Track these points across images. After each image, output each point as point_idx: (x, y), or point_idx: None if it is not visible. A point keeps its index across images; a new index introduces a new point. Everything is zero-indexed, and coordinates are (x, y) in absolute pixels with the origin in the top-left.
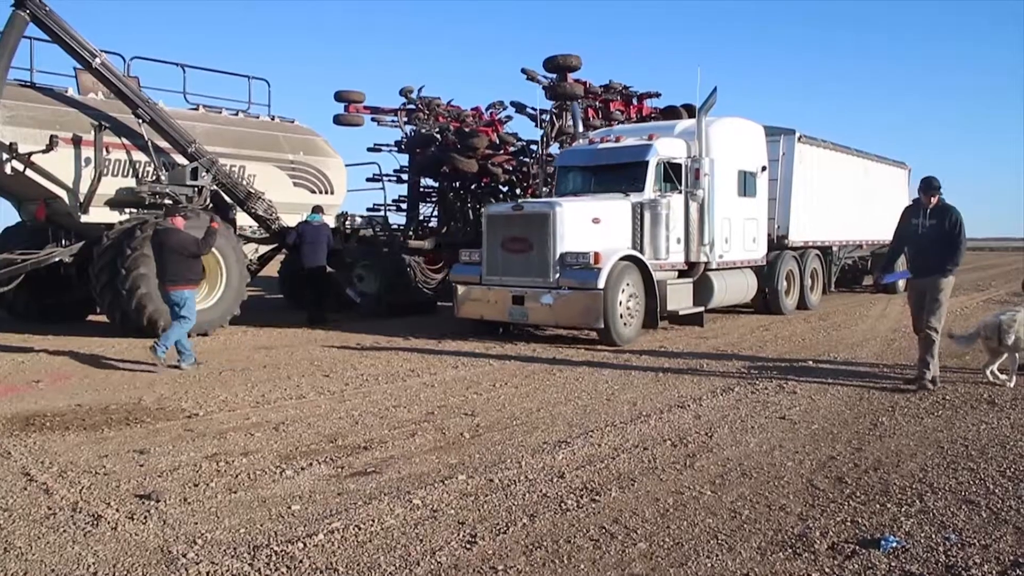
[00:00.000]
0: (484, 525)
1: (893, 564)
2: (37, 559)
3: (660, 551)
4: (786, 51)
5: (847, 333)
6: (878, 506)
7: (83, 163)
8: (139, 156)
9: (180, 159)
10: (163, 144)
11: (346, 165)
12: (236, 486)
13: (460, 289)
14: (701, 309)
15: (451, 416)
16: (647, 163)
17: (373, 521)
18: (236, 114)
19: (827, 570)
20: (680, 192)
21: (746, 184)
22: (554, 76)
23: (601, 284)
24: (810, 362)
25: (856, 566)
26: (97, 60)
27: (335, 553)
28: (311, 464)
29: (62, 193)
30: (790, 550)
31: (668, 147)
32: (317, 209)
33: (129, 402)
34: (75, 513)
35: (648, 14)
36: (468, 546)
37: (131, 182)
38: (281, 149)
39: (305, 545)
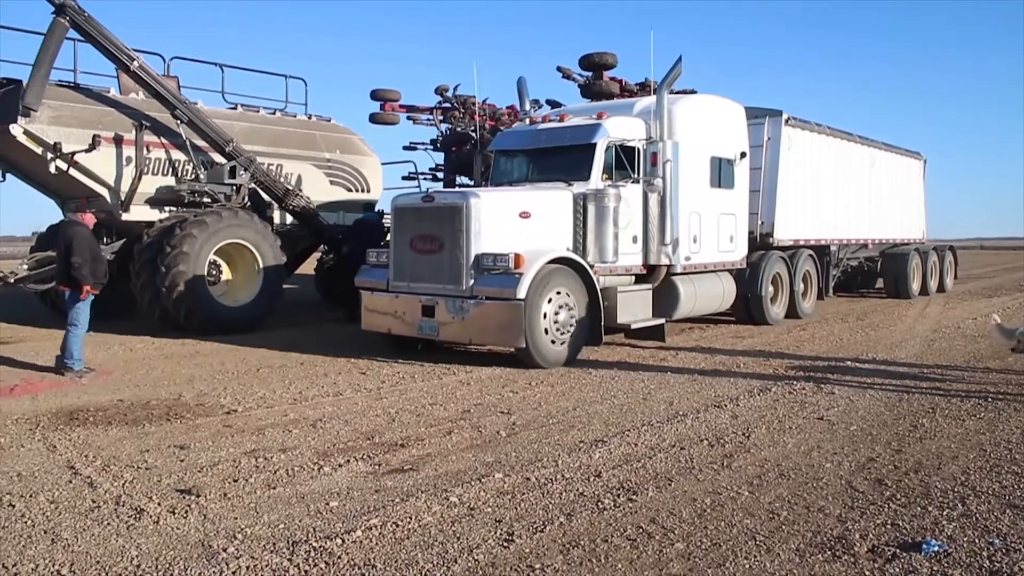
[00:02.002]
0: (521, 523)
1: (935, 568)
2: (83, 551)
3: (698, 552)
4: (791, 43)
5: (886, 333)
6: (919, 509)
7: (124, 162)
8: (178, 155)
9: (219, 158)
10: (202, 143)
11: (382, 164)
12: (275, 482)
13: (364, 297)
14: (662, 321)
15: (487, 414)
16: (594, 146)
17: (410, 518)
18: (273, 113)
19: (867, 573)
20: (637, 182)
21: (721, 173)
22: (590, 74)
23: (521, 293)
24: (848, 362)
25: (897, 570)
26: (135, 63)
27: (373, 550)
28: (348, 461)
29: (104, 191)
30: (829, 552)
31: (621, 128)
32: (370, 207)
33: (169, 398)
34: (118, 506)
35: (687, 12)
36: (505, 544)
37: (171, 180)
38: (318, 148)
39: (343, 541)
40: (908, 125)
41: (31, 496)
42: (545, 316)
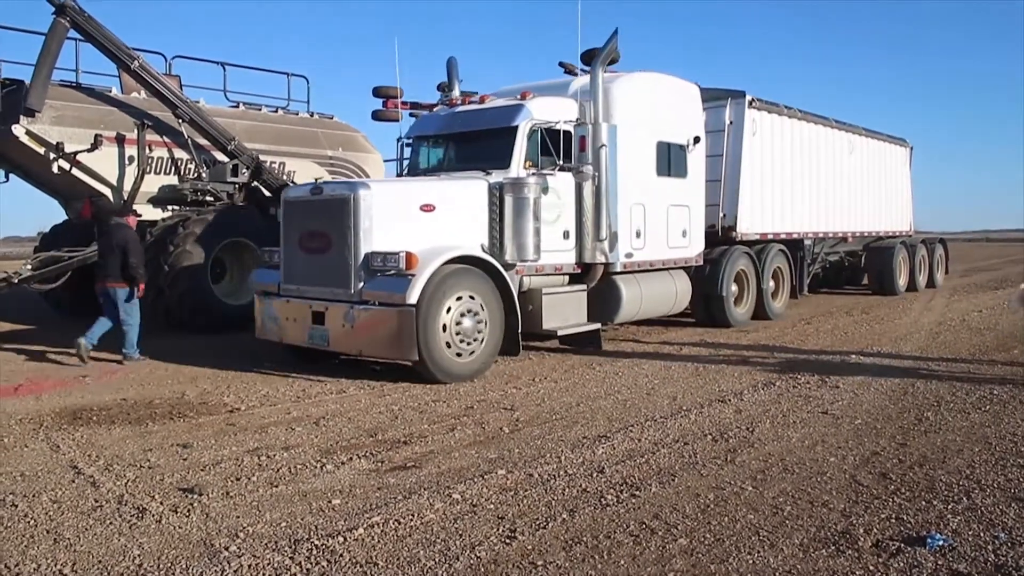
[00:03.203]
0: (524, 520)
1: (940, 563)
2: (85, 550)
3: (701, 547)
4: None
5: (890, 326)
6: (924, 503)
7: (127, 161)
8: (181, 154)
9: (221, 156)
10: (204, 141)
11: (385, 161)
12: (277, 480)
13: (257, 301)
14: (597, 326)
15: (490, 410)
16: (515, 130)
17: (413, 516)
18: (275, 111)
19: (871, 568)
20: (568, 170)
21: (671, 160)
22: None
23: (412, 298)
24: (853, 356)
25: (901, 564)
26: (136, 63)
27: (375, 547)
28: (351, 459)
29: (107, 191)
30: (833, 547)
31: (548, 109)
32: None
33: (173, 396)
34: (121, 506)
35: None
36: (508, 541)
37: (173, 179)
38: (320, 145)
39: (345, 539)
40: (906, 113)
41: (34, 496)
42: (445, 326)
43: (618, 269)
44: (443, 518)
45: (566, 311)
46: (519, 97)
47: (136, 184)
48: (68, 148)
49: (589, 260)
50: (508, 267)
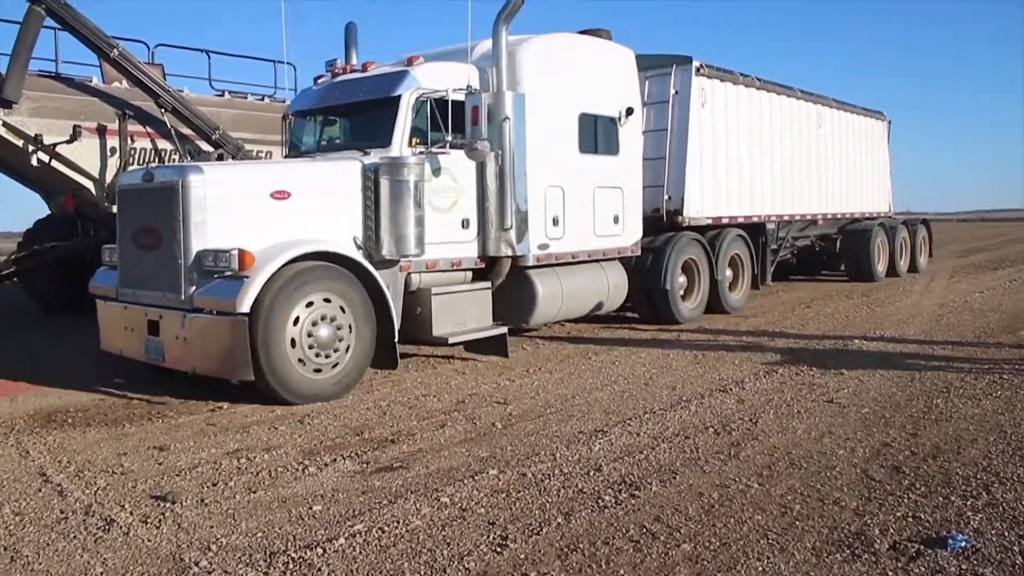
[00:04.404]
0: (516, 525)
1: (964, 567)
2: (43, 569)
3: (706, 553)
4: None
5: (891, 309)
6: (941, 499)
7: (108, 152)
8: (164, 144)
9: (206, 146)
10: (188, 131)
11: None
12: (256, 485)
13: (98, 306)
14: (502, 331)
15: (482, 405)
16: (397, 101)
17: (398, 522)
18: (262, 99)
19: (890, 574)
20: (461, 148)
21: (598, 135)
22: None
23: (244, 304)
24: (856, 340)
25: (922, 569)
26: (115, 51)
27: (356, 559)
28: (335, 460)
29: (88, 183)
30: (848, 551)
31: (439, 76)
32: None
33: (152, 394)
34: (87, 517)
35: None
36: (499, 550)
37: None
38: None
39: (325, 551)
40: (890, 89)
41: None
42: (294, 339)
43: (530, 263)
44: (430, 524)
45: (463, 313)
46: (405, 63)
47: (118, 176)
48: (47, 140)
49: (494, 253)
50: (386, 263)
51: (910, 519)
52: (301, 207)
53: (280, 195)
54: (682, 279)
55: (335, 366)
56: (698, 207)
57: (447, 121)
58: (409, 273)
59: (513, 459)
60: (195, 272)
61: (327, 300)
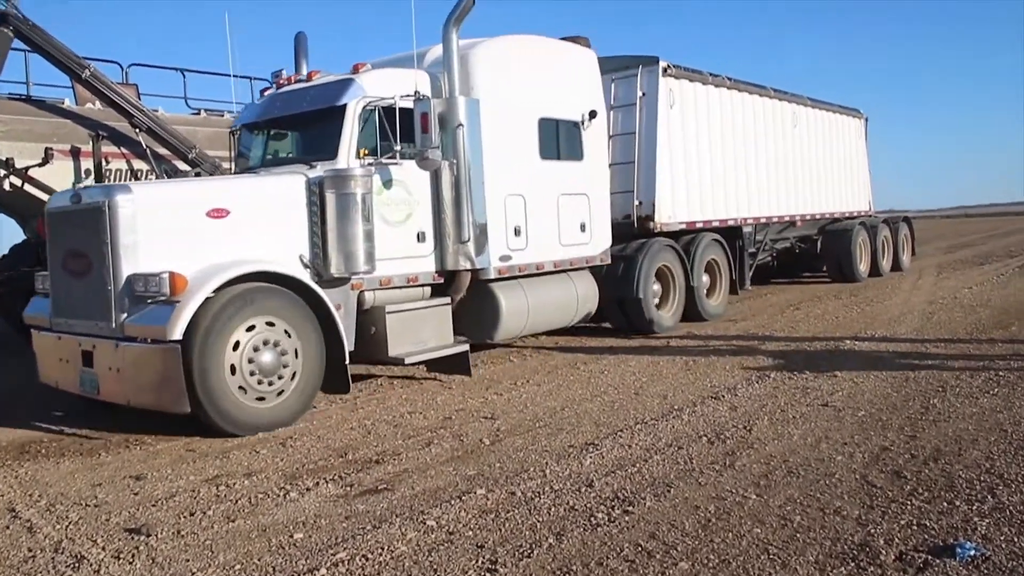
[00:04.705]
0: (505, 548)
1: None
2: None
3: (704, 571)
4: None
5: (881, 308)
6: (945, 504)
7: (83, 175)
8: (140, 164)
9: (182, 165)
10: (164, 151)
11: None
12: (235, 513)
13: (33, 337)
14: (464, 348)
15: (469, 420)
16: (343, 110)
17: (382, 549)
18: None
19: None
20: (411, 157)
21: (560, 140)
22: None
23: (176, 332)
24: (847, 341)
25: None
26: (86, 72)
27: None
28: (317, 483)
29: None
30: (852, 563)
31: (387, 84)
32: None
33: (129, 420)
34: (56, 554)
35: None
36: (487, 575)
37: None
38: None
39: None
40: (874, 83)
41: None
42: (234, 367)
43: (491, 276)
44: (416, 550)
45: (421, 331)
46: (352, 71)
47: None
48: (19, 163)
49: (452, 267)
50: (336, 282)
51: (915, 527)
52: (241, 225)
53: (217, 213)
54: (656, 287)
55: (280, 394)
56: (670, 212)
57: (395, 130)
58: (362, 291)
59: (502, 477)
60: (126, 298)
61: (270, 324)
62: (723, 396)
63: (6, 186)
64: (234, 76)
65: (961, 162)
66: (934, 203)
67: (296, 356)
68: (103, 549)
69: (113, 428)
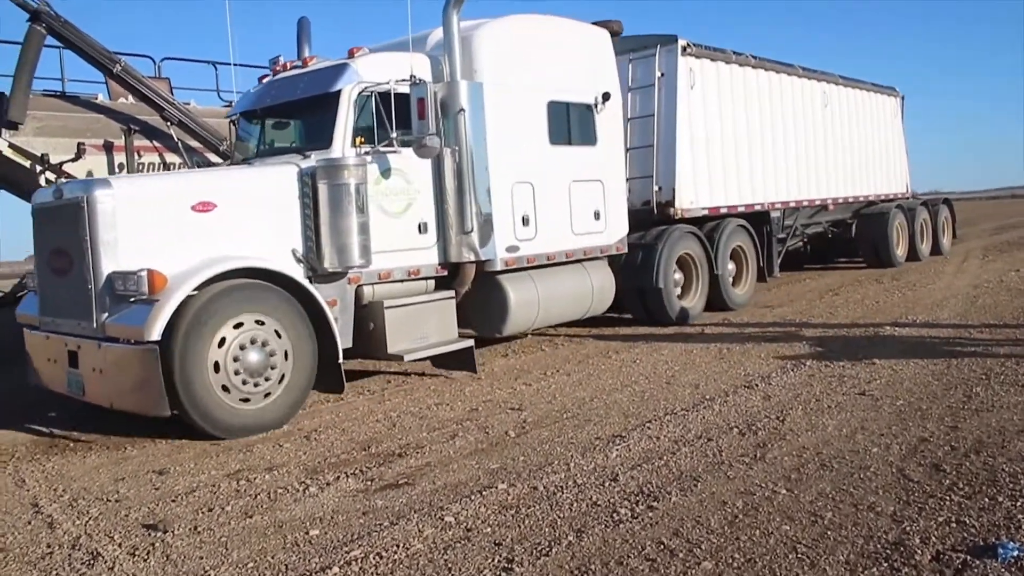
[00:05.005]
0: (523, 545)
1: None
2: None
3: (729, 571)
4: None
5: (923, 293)
6: (987, 500)
7: (116, 169)
8: (172, 157)
9: (214, 157)
10: (196, 143)
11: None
12: (253, 509)
13: (25, 335)
14: (469, 343)
15: (496, 412)
16: (337, 97)
17: (398, 546)
18: None
19: None
20: (408, 145)
21: (571, 124)
22: None
23: (154, 331)
24: (887, 327)
25: None
26: (118, 67)
27: None
28: (338, 478)
29: None
30: (886, 564)
31: (383, 68)
32: None
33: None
34: (73, 551)
35: None
36: (503, 574)
37: None
38: None
39: None
40: (913, 62)
41: None
42: (218, 365)
43: (498, 268)
44: (432, 548)
45: (423, 327)
46: (347, 56)
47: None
48: (53, 159)
49: (455, 259)
50: (331, 277)
51: (954, 524)
52: (228, 219)
53: (203, 207)
54: (678, 275)
55: (267, 396)
56: (691, 197)
57: (391, 117)
58: (359, 285)
59: (525, 471)
60: (107, 297)
61: (259, 322)
62: (756, 385)
63: (42, 181)
64: (243, 66)
65: (1006, 142)
66: (979, 184)
67: (286, 358)
68: (119, 546)
69: (137, 421)
